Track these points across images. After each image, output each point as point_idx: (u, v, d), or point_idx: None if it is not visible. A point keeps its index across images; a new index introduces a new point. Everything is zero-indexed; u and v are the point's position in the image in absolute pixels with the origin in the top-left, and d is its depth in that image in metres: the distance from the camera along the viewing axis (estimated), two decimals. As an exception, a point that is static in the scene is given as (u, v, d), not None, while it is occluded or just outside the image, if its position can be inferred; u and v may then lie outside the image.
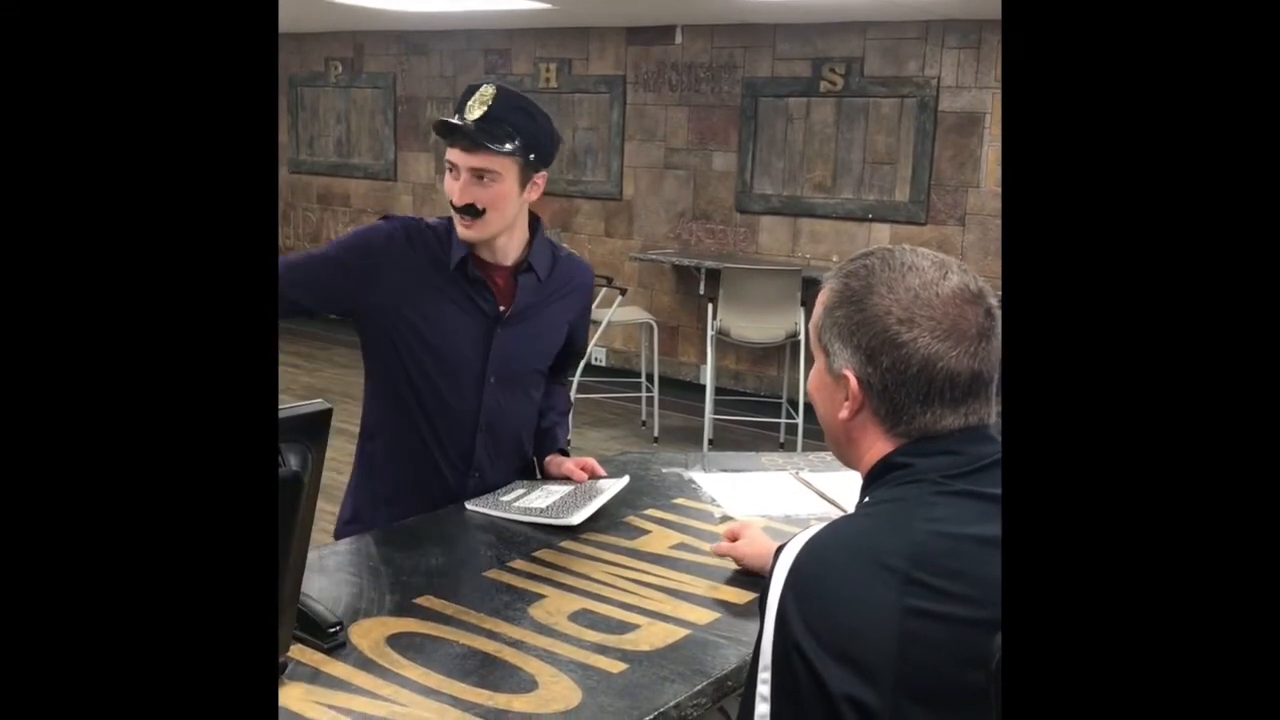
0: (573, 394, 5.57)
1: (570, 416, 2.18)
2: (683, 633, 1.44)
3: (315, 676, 1.28)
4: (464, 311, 1.90)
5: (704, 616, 1.49)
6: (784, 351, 5.74)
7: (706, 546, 1.76)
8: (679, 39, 6.26)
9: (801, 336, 5.23)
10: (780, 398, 5.78)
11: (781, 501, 2.01)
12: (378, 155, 7.55)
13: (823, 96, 5.84)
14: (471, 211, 1.82)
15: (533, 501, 1.90)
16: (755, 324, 5.24)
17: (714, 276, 5.56)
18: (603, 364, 6.56)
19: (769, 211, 6.08)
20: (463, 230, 1.85)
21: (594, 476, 2.01)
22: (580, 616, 1.48)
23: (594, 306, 5.84)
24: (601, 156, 6.62)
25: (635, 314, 5.84)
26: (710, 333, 5.33)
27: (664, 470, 2.18)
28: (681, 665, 1.35)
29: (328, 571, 1.59)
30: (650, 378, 5.79)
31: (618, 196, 6.58)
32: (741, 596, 1.57)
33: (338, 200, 7.73)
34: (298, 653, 1.31)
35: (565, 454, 2.09)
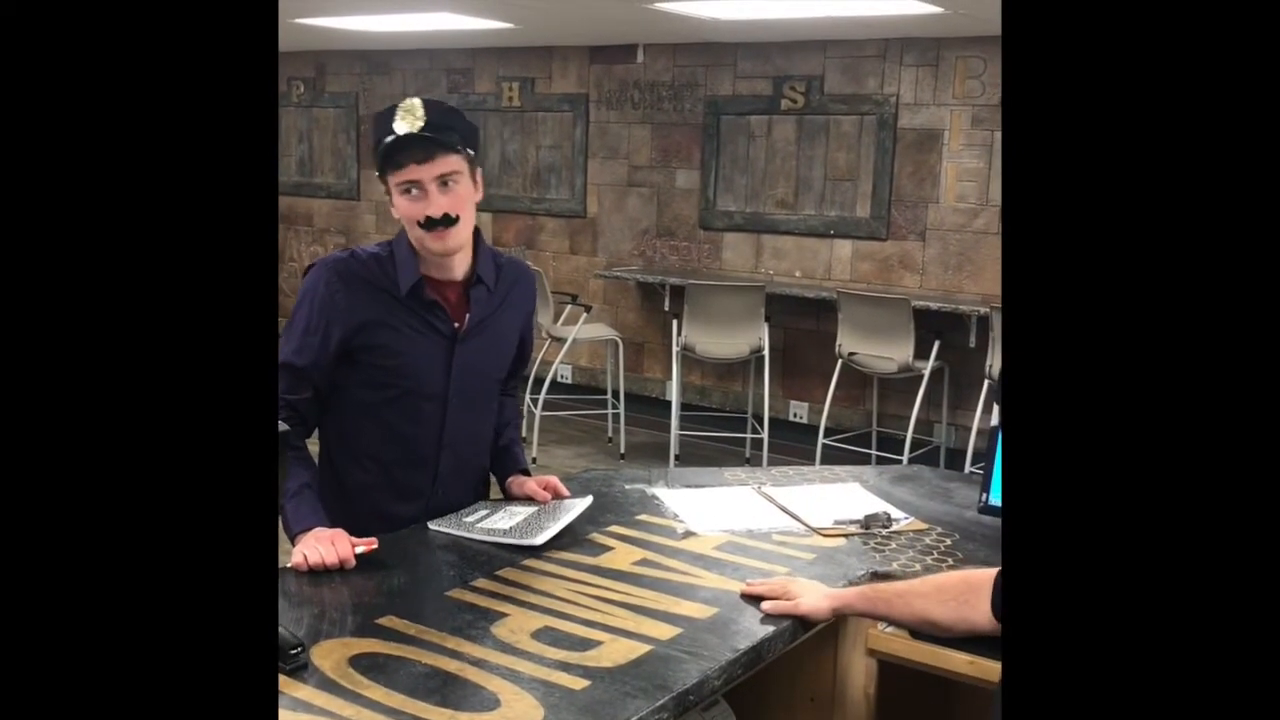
0: (539, 411, 5.58)
1: (522, 425, 2.19)
2: (645, 648, 1.45)
3: (278, 698, 1.27)
4: (421, 335, 1.87)
5: (666, 632, 1.50)
6: (748, 367, 5.77)
7: (669, 562, 1.77)
8: (641, 58, 6.30)
9: (766, 351, 5.26)
10: (745, 413, 5.81)
11: (744, 516, 2.03)
12: (340, 174, 7.53)
13: (784, 114, 5.89)
14: (446, 221, 1.79)
15: (496, 523, 1.89)
16: (720, 340, 5.26)
17: (678, 293, 5.59)
18: (568, 381, 6.56)
19: (732, 228, 6.12)
20: (438, 244, 1.81)
21: (557, 496, 2.01)
22: (543, 634, 1.48)
23: (559, 324, 5.86)
24: (565, 174, 6.64)
25: (600, 331, 5.85)
26: (675, 349, 5.35)
27: (627, 486, 2.19)
28: (643, 681, 1.36)
29: (288, 593, 1.59)
30: (616, 394, 5.79)
31: (582, 214, 6.60)
32: (704, 611, 1.58)
33: (300, 220, 7.70)
34: (258, 675, 1.31)
35: (527, 473, 2.09)
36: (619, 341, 5.81)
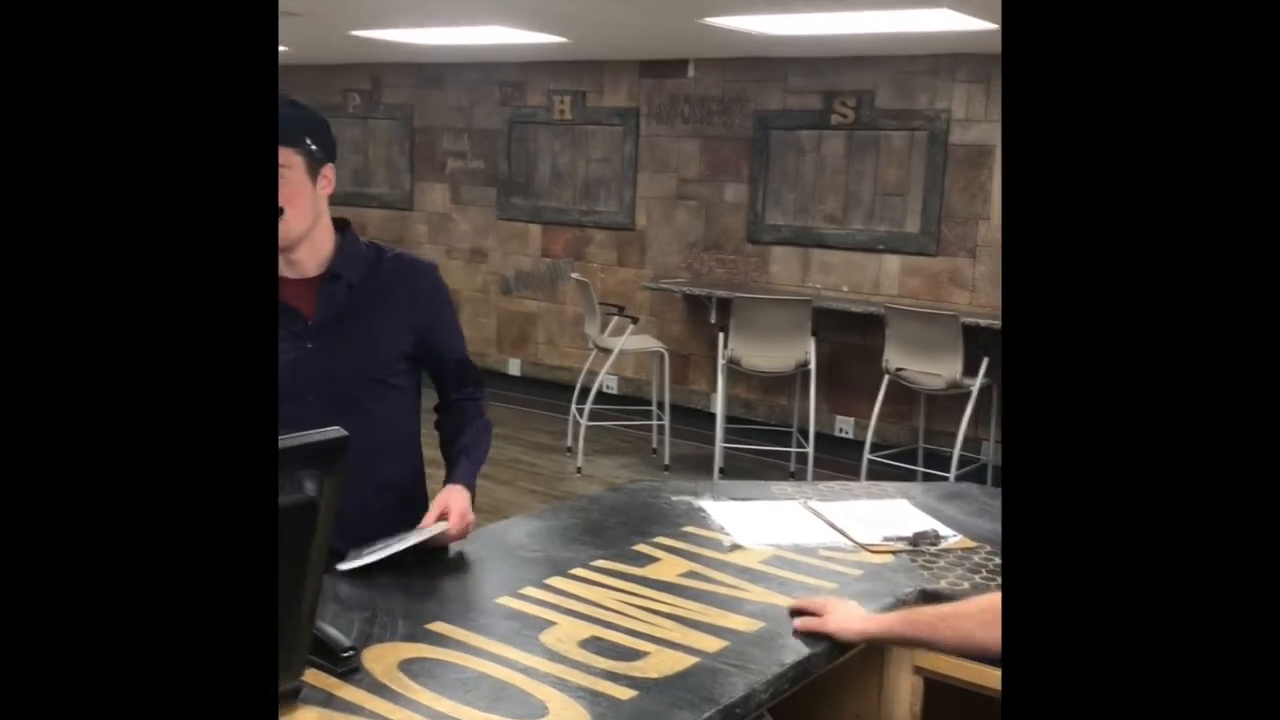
0: (584, 421, 5.60)
1: (487, 431, 2.00)
2: (692, 660, 1.45)
3: (329, 701, 1.30)
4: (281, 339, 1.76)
5: (713, 644, 1.51)
6: (794, 381, 5.75)
7: (715, 575, 1.78)
8: (692, 72, 6.32)
9: (812, 366, 5.25)
10: (790, 427, 5.79)
11: (790, 530, 2.02)
12: (394, 185, 7.62)
13: (834, 129, 5.88)
14: None
15: (391, 546, 1.74)
16: (766, 353, 5.26)
17: (725, 306, 5.59)
18: (613, 392, 6.58)
19: (780, 242, 6.11)
20: None
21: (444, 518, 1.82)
22: (590, 643, 1.49)
23: (605, 334, 5.86)
24: (614, 187, 6.67)
25: (646, 342, 5.87)
26: (721, 361, 5.35)
27: (673, 498, 2.20)
28: (690, 693, 1.36)
29: (341, 597, 1.61)
30: (661, 406, 5.80)
31: (630, 227, 6.63)
32: (751, 625, 1.58)
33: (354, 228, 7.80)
34: (312, 677, 1.33)
35: (465, 486, 1.89)
36: (665, 353, 5.82)
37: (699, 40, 5.52)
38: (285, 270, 1.84)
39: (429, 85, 7.35)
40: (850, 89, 5.81)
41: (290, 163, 1.76)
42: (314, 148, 1.79)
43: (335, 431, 1.15)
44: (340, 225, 1.90)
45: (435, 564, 1.76)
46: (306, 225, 1.81)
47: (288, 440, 1.15)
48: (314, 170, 1.80)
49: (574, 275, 6.22)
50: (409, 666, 1.39)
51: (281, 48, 6.60)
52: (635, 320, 5.86)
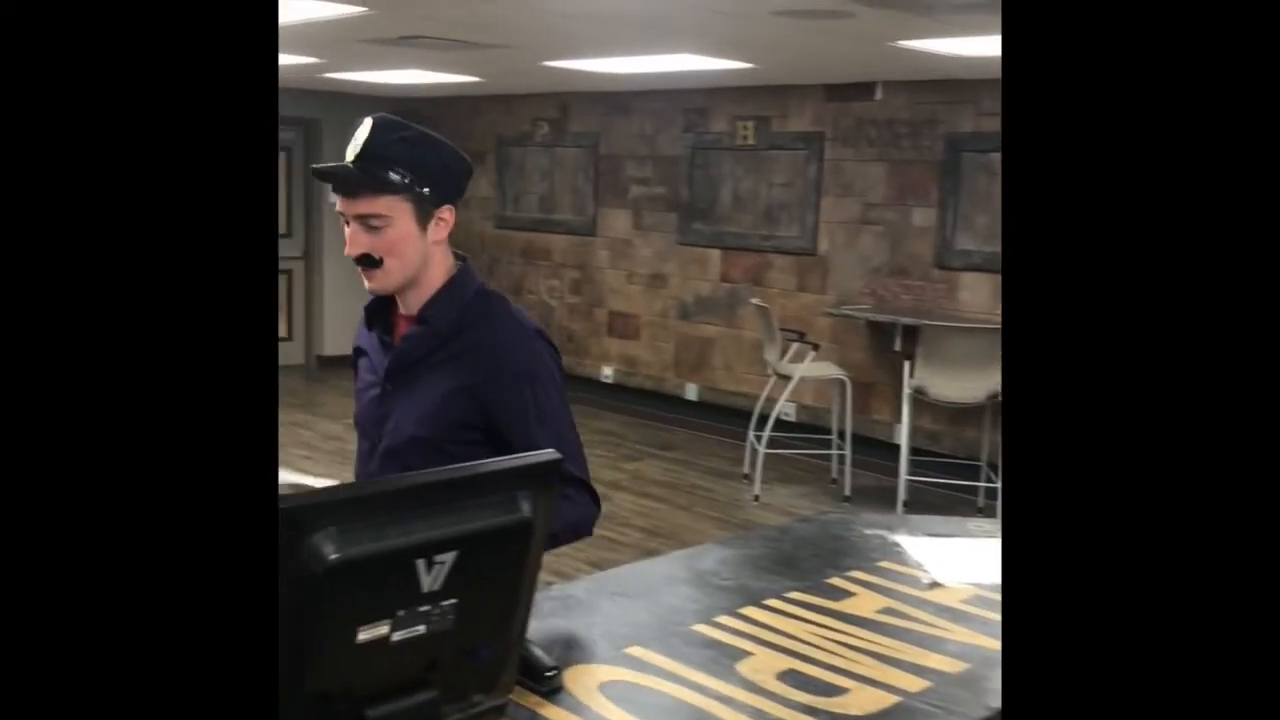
0: (762, 449, 5.56)
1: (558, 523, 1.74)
2: (893, 699, 1.41)
3: (533, 719, 1.32)
4: (373, 372, 1.80)
5: (915, 684, 1.46)
6: (984, 412, 5.54)
7: (914, 612, 1.72)
8: (879, 95, 6.23)
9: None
10: (979, 460, 5.58)
11: (992, 569, 1.94)
12: (578, 211, 7.81)
13: (1029, 151, 5.67)
14: (368, 262, 1.66)
15: None
16: (955, 383, 5.09)
17: (911, 333, 5.45)
18: (792, 419, 6.51)
19: (970, 268, 5.92)
20: (366, 282, 1.70)
21: None
22: (788, 676, 1.47)
23: (784, 361, 5.80)
24: (796, 211, 6.62)
25: (827, 370, 5.78)
26: (906, 390, 5.22)
27: (866, 531, 2.15)
28: (894, 734, 1.32)
29: (541, 616, 1.64)
30: (842, 435, 5.70)
31: (812, 251, 6.56)
32: (954, 665, 1.52)
33: (539, 255, 8.03)
34: (516, 694, 1.36)
35: None
36: (846, 381, 5.72)
37: (888, 63, 5.43)
38: (403, 309, 1.77)
39: (615, 113, 7.50)
40: (1047, 109, 5.59)
41: (394, 211, 1.64)
42: (425, 191, 1.66)
43: (549, 454, 1.17)
44: (459, 260, 1.78)
45: (629, 589, 1.77)
46: (410, 273, 1.70)
47: (503, 461, 1.19)
48: (424, 215, 1.68)
49: (753, 301, 6.20)
50: (609, 689, 1.41)
51: (474, 78, 6.88)
52: (816, 347, 5.79)
